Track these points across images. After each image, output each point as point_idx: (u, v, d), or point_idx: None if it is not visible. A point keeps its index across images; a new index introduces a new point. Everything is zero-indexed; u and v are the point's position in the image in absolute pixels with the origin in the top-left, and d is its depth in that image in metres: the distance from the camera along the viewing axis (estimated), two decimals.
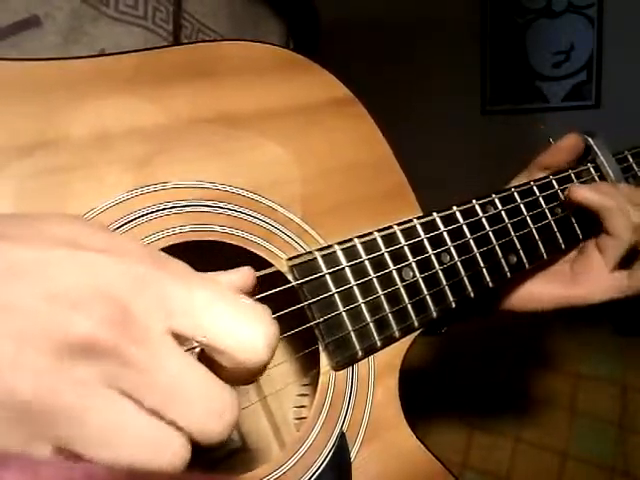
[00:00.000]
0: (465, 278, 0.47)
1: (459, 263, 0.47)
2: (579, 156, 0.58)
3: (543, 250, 0.53)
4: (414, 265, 0.44)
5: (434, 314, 0.45)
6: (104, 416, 0.21)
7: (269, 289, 0.37)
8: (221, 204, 0.38)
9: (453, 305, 0.46)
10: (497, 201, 0.51)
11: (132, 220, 0.35)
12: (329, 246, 0.41)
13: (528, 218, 0.52)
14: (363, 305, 0.42)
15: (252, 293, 0.31)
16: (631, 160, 0.61)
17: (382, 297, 0.43)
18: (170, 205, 0.36)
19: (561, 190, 0.55)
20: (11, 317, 0.21)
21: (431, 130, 2.27)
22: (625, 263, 0.52)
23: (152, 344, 0.22)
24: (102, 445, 0.21)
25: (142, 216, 0.35)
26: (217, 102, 0.39)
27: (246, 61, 0.42)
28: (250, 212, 0.39)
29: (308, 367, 0.47)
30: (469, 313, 0.59)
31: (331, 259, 0.41)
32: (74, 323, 0.21)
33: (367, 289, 0.42)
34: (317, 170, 0.43)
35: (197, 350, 0.25)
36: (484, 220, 0.49)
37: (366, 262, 0.42)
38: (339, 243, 0.42)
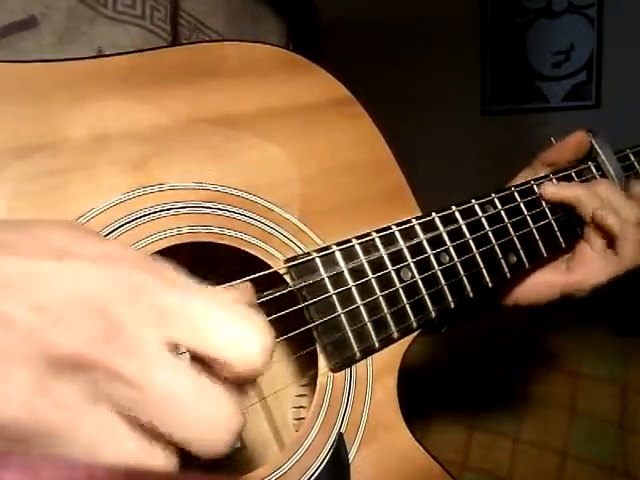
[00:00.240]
0: (464, 278, 0.47)
1: (458, 263, 0.47)
2: (584, 154, 0.58)
3: (543, 249, 0.53)
4: (413, 266, 0.44)
5: (433, 314, 0.45)
6: (94, 434, 0.21)
7: (266, 290, 0.37)
8: (219, 205, 0.38)
9: (452, 305, 0.46)
10: (497, 201, 0.51)
11: (130, 221, 0.35)
12: (327, 247, 0.41)
13: (528, 217, 0.52)
14: (361, 306, 0.42)
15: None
16: (633, 158, 0.61)
17: (380, 298, 0.42)
18: (168, 206, 0.36)
19: None
20: None
21: (431, 130, 2.27)
22: (610, 245, 0.53)
23: (145, 356, 0.22)
24: (92, 460, 0.21)
25: (140, 217, 0.35)
26: (217, 103, 0.39)
27: (246, 62, 0.42)
28: (247, 213, 0.39)
29: (307, 367, 0.47)
30: (472, 312, 0.59)
31: (329, 260, 0.41)
32: (58, 338, 0.20)
33: (365, 290, 0.42)
34: (316, 170, 0.43)
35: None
36: (484, 220, 0.49)
37: (364, 263, 0.42)
38: (337, 244, 0.42)
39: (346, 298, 0.41)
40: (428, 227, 0.46)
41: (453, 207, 0.48)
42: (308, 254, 0.41)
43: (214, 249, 0.38)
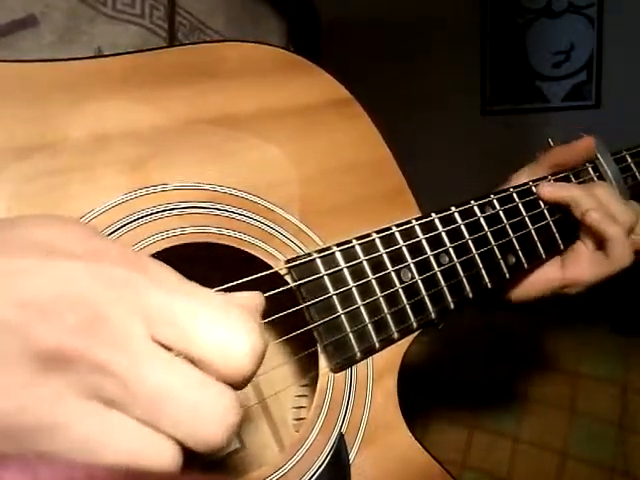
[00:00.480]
0: (464, 279, 0.47)
1: (458, 264, 0.47)
2: (590, 159, 0.58)
3: (542, 250, 0.53)
4: (413, 266, 0.44)
5: (433, 315, 0.45)
6: (86, 429, 0.21)
7: (267, 290, 0.37)
8: (218, 205, 0.38)
9: (452, 306, 0.46)
10: (495, 202, 0.51)
11: (130, 222, 0.35)
12: (327, 247, 0.41)
13: (527, 218, 0.52)
14: (362, 306, 0.42)
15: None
16: (629, 160, 0.61)
17: (381, 298, 0.43)
18: (168, 207, 0.36)
19: None
20: None
21: (431, 130, 2.27)
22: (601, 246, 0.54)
23: (132, 349, 0.21)
24: (88, 458, 0.20)
25: (140, 218, 0.35)
26: (217, 103, 0.39)
27: (246, 62, 0.42)
28: (247, 213, 0.39)
29: (307, 368, 0.47)
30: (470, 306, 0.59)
31: (330, 260, 0.41)
32: (41, 333, 0.20)
33: (366, 290, 0.42)
34: (316, 171, 0.43)
35: None
36: (482, 220, 0.49)
37: (365, 263, 0.42)
38: (338, 244, 0.42)
39: (346, 298, 0.41)
40: (428, 228, 0.46)
41: (452, 208, 0.48)
42: (309, 254, 0.41)
43: (214, 249, 0.38)
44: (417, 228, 0.45)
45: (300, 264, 0.40)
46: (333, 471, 0.39)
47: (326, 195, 0.43)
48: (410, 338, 0.45)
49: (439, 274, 0.46)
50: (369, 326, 0.42)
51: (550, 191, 0.54)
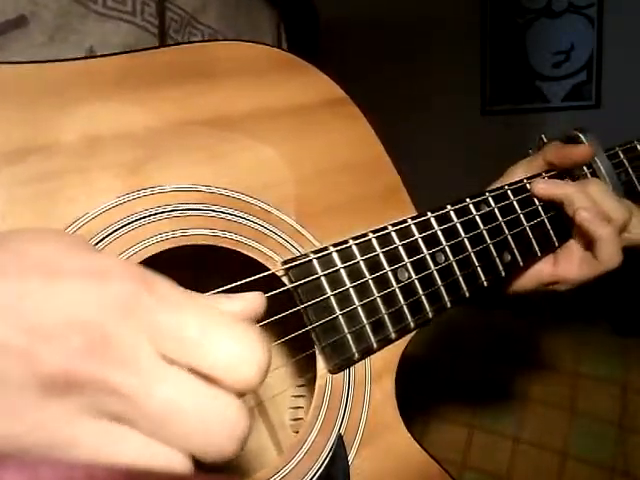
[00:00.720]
0: (460, 278, 0.47)
1: (454, 263, 0.47)
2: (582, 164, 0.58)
3: (537, 248, 0.53)
4: (409, 266, 0.44)
5: (430, 314, 0.45)
6: (97, 447, 0.21)
7: (264, 292, 0.37)
8: (213, 207, 0.38)
9: (449, 305, 0.46)
10: (490, 199, 0.51)
11: (124, 225, 0.35)
12: (324, 248, 0.41)
13: (522, 216, 0.53)
14: (359, 307, 0.42)
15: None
16: (622, 156, 0.61)
17: (378, 299, 0.42)
18: (162, 210, 0.36)
19: None
20: None
21: (431, 130, 2.27)
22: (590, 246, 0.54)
23: (141, 368, 0.21)
24: None
25: (135, 221, 0.35)
26: (211, 104, 0.39)
27: (241, 62, 0.42)
28: (242, 214, 0.39)
29: (304, 369, 0.47)
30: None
31: (326, 261, 0.41)
32: (47, 357, 0.20)
33: (363, 291, 0.42)
34: (311, 171, 0.43)
35: None
36: (478, 218, 0.49)
37: (361, 264, 0.42)
38: (334, 245, 0.42)
39: (344, 299, 0.41)
40: (423, 226, 0.46)
41: (448, 206, 0.48)
42: (306, 255, 0.40)
43: (210, 251, 0.38)
44: (413, 227, 0.45)
45: (297, 265, 0.40)
46: (332, 472, 0.39)
47: (321, 195, 0.43)
48: (407, 338, 0.45)
49: (435, 273, 0.45)
50: (367, 326, 0.42)
51: (544, 188, 0.54)
